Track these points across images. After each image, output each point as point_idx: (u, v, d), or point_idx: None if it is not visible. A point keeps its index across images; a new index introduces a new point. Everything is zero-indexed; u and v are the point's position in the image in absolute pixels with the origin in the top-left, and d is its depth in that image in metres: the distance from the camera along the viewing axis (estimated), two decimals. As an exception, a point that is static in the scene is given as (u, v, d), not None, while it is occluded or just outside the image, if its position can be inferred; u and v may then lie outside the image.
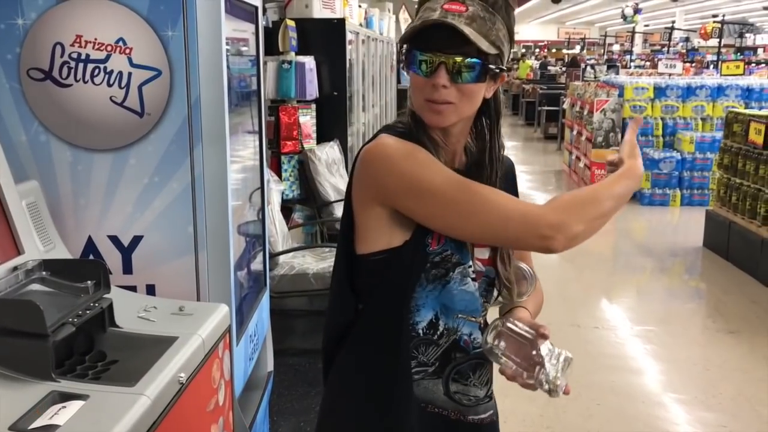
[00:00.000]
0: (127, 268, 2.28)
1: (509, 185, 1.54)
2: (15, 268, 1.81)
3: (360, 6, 7.77)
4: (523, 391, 1.41)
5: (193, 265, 2.27)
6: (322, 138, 5.96)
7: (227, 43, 2.29)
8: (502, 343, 1.37)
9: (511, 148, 14.20)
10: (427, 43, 1.28)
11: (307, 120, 5.70)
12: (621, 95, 9.12)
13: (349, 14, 6.95)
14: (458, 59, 1.28)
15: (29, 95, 2.17)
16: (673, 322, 5.35)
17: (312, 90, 5.61)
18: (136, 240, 2.27)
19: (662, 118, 9.08)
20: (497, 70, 1.33)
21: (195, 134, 2.20)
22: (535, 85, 16.09)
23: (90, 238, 2.26)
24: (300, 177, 5.62)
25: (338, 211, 5.62)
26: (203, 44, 2.16)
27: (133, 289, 2.27)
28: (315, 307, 5.00)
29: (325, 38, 5.96)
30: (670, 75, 10.15)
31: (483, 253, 1.46)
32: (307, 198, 5.66)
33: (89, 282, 1.83)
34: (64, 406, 1.50)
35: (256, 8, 2.83)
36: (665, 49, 20.66)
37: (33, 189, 2.07)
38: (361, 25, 7.64)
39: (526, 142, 14.79)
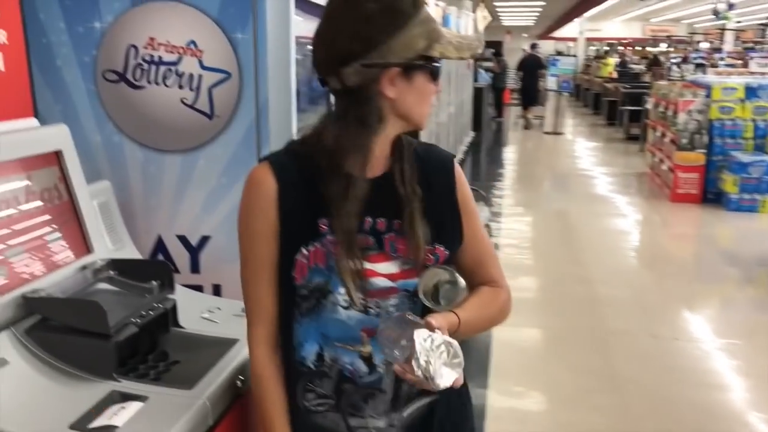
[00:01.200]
0: (195, 268, 2.31)
1: (442, 181, 1.45)
2: (84, 267, 1.85)
3: (437, 4, 7.70)
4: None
5: (258, 267, 2.27)
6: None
7: (298, 43, 2.29)
8: (384, 333, 1.28)
9: (592, 148, 13.83)
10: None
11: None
12: (708, 96, 8.72)
13: (426, 13, 6.89)
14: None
15: (104, 97, 2.22)
16: (760, 335, 5.08)
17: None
18: (204, 240, 2.29)
19: (753, 120, 8.64)
20: None
21: (263, 136, 2.20)
22: (617, 84, 15.61)
23: (160, 238, 2.30)
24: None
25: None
26: (272, 46, 2.16)
27: (199, 288, 2.30)
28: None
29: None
30: (762, 74, 9.64)
31: (390, 268, 1.37)
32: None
33: (154, 282, 1.85)
34: (123, 407, 1.52)
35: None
36: (759, 47, 19.69)
37: (105, 189, 2.11)
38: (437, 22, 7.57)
39: (607, 142, 14.37)
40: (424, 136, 6.41)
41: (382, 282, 1.37)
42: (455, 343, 1.23)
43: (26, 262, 1.72)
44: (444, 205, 1.44)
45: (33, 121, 1.94)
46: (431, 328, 1.23)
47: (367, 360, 1.38)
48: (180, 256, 2.30)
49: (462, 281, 1.39)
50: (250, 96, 2.18)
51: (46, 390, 1.55)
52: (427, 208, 1.38)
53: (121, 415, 1.49)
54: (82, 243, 1.92)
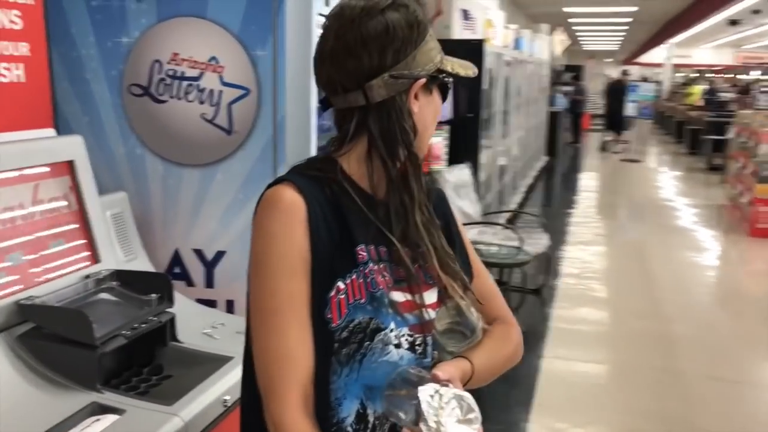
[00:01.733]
0: (210, 282, 2.31)
1: (443, 209, 1.34)
2: (87, 276, 1.87)
3: (507, 27, 7.62)
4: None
5: (271, 285, 2.25)
6: (454, 160, 5.87)
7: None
8: (392, 396, 1.12)
9: (671, 178, 13.34)
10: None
11: (439, 141, 5.63)
12: (795, 127, 8.26)
13: (493, 36, 6.83)
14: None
15: (129, 110, 2.27)
16: (834, 385, 4.71)
17: (445, 111, 5.53)
18: (219, 255, 2.29)
19: None
20: None
21: (279, 153, 2.19)
22: (701, 111, 15.03)
23: (177, 251, 2.31)
24: (427, 199, 5.55)
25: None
26: (291, 64, 2.15)
27: (213, 303, 2.30)
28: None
29: (464, 59, 5.86)
30: None
31: (431, 297, 1.23)
32: (433, 220, 5.58)
33: (153, 295, 1.85)
34: (99, 419, 1.51)
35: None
36: None
37: (120, 200, 2.15)
38: (506, 46, 7.48)
39: (687, 172, 13.82)
40: (483, 161, 6.31)
41: (425, 314, 1.22)
42: (468, 396, 1.09)
43: (26, 268, 1.75)
44: (451, 234, 1.32)
45: (50, 132, 1.99)
46: (439, 382, 1.09)
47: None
48: (195, 270, 2.31)
49: (476, 325, 1.25)
50: (269, 112, 2.18)
51: (29, 397, 1.56)
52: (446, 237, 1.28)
53: (93, 427, 1.48)
54: (89, 253, 1.94)
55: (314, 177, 1.19)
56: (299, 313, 1.12)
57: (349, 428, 1.16)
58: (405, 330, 1.20)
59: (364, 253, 1.17)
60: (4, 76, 1.86)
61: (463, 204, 5.67)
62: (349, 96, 1.19)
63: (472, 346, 1.25)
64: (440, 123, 5.63)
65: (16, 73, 1.89)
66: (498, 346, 1.32)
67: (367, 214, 1.19)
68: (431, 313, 1.23)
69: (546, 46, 11.10)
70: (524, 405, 4.07)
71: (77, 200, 1.93)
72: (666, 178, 13.35)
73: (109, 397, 1.60)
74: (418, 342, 1.22)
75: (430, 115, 1.25)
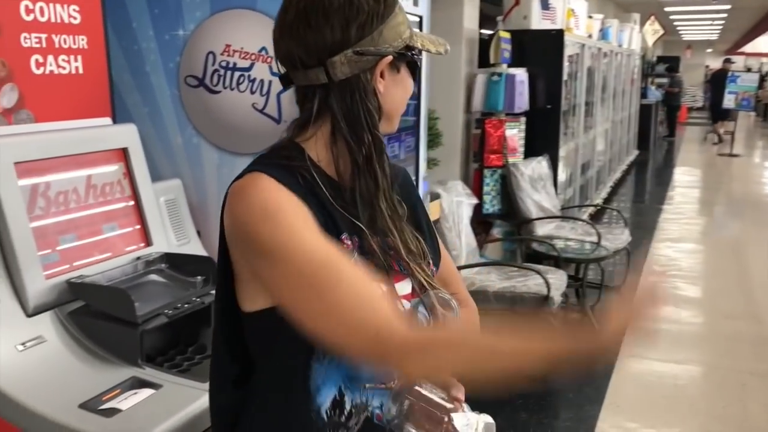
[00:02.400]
0: (261, 268, 2.37)
1: (410, 191, 1.30)
2: (138, 258, 1.96)
3: (591, 17, 7.40)
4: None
5: (319, 271, 2.29)
6: (531, 152, 5.77)
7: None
8: (410, 414, 1.08)
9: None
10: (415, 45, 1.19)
11: (514, 133, 5.55)
12: None
13: (575, 25, 6.65)
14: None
15: (186, 101, 2.35)
16: None
17: (521, 103, 5.45)
18: (270, 242, 2.34)
19: None
20: None
21: (326, 141, 2.22)
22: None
23: (230, 237, 2.38)
24: (502, 192, 5.49)
25: (539, 228, 5.40)
26: (338, 53, 2.17)
27: (263, 288, 2.35)
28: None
29: (542, 50, 5.77)
30: None
31: (404, 288, 1.17)
32: (507, 213, 5.51)
33: (199, 278, 1.92)
34: (136, 392, 1.58)
35: (420, 17, 2.80)
36: None
37: (174, 187, 2.23)
38: (590, 36, 7.27)
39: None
40: (563, 154, 6.16)
41: (405, 305, 1.16)
42: (489, 418, 1.10)
43: (80, 250, 1.85)
44: (419, 216, 1.27)
45: (107, 120, 2.10)
46: (459, 402, 1.08)
47: (396, 397, 1.13)
48: (248, 255, 2.37)
49: (457, 305, 1.18)
50: (315, 101, 2.20)
51: (74, 370, 1.65)
52: (409, 221, 1.22)
53: (130, 399, 1.56)
54: (142, 236, 2.04)
55: (284, 166, 1.12)
56: (343, 255, 1.07)
57: (324, 414, 1.13)
58: None
59: (349, 242, 1.11)
60: (63, 67, 1.97)
61: (540, 197, 5.56)
62: (310, 72, 1.12)
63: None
64: (516, 115, 5.57)
65: (74, 65, 2.00)
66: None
67: (338, 204, 1.12)
68: (405, 304, 1.15)
69: (636, 36, 10.70)
70: (595, 403, 3.96)
71: (131, 186, 2.02)
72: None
73: (149, 373, 1.68)
74: None
75: (398, 95, 1.17)
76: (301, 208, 1.06)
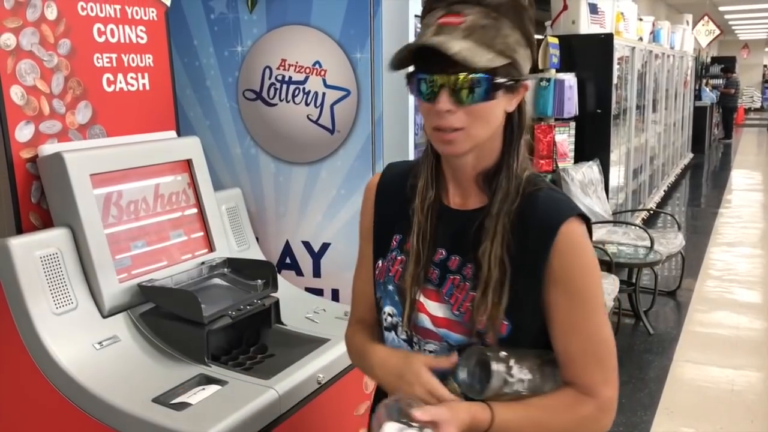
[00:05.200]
0: (317, 272, 2.47)
1: (537, 240, 1.16)
2: (202, 263, 2.08)
3: (641, 19, 7.34)
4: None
5: (373, 275, 2.37)
6: (582, 157, 5.76)
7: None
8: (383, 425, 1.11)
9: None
10: (426, 64, 1.11)
11: (564, 138, 5.55)
12: None
13: (625, 28, 6.62)
14: (460, 77, 1.08)
15: (244, 113, 2.47)
16: None
17: (570, 108, 5.45)
18: (325, 246, 2.44)
19: None
20: (510, 82, 1.12)
21: (377, 150, 2.31)
22: None
23: (287, 242, 2.49)
24: (552, 197, 5.48)
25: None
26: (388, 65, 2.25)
27: (320, 291, 2.45)
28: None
29: (592, 54, 5.76)
30: None
31: (437, 310, 1.22)
32: (558, 219, 5.50)
33: (260, 281, 2.02)
34: (204, 388, 1.69)
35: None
36: None
37: (235, 195, 2.35)
38: (641, 39, 7.21)
39: None
40: (614, 158, 6.12)
41: (425, 321, 1.23)
42: None
43: (150, 254, 1.97)
44: (530, 270, 1.17)
45: (172, 134, 2.22)
46: (416, 421, 1.08)
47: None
48: (304, 260, 2.47)
49: (497, 367, 1.14)
50: (367, 112, 2.30)
51: (146, 367, 1.77)
52: (513, 267, 1.16)
53: (199, 395, 1.66)
54: (205, 242, 2.15)
55: (410, 167, 1.32)
56: (365, 267, 1.38)
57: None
58: (400, 320, 1.27)
59: (396, 243, 1.30)
60: (131, 84, 2.10)
61: (591, 202, 5.54)
62: None
63: (513, 398, 1.16)
64: (566, 120, 5.56)
65: (142, 82, 2.13)
66: (549, 409, 1.18)
67: (406, 206, 1.27)
68: (425, 321, 1.23)
69: (689, 38, 10.54)
70: (649, 408, 3.94)
71: (195, 195, 2.14)
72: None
73: (215, 370, 1.78)
74: (415, 340, 1.27)
75: (423, 116, 1.19)
76: (365, 217, 1.38)
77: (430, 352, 1.24)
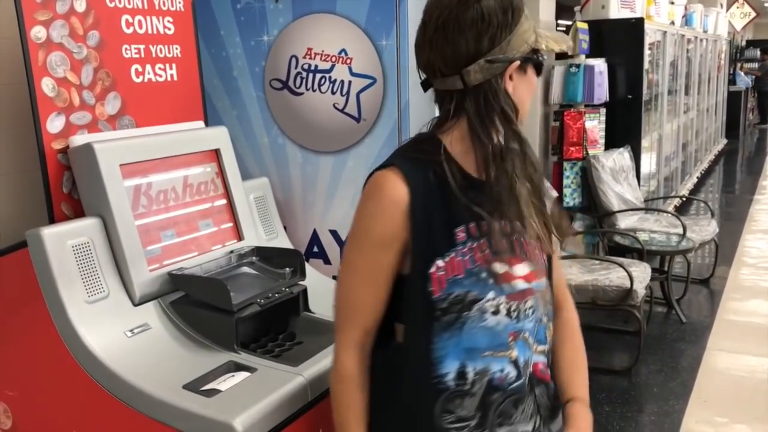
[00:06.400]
0: (345, 261, 2.47)
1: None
2: (231, 252, 2.09)
3: (672, 2, 7.20)
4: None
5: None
6: (613, 144, 5.68)
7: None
8: None
9: None
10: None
11: (594, 125, 5.48)
12: None
13: (656, 12, 6.51)
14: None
15: (271, 103, 2.48)
16: None
17: (601, 94, 5.38)
18: (352, 235, 2.44)
19: None
20: None
21: (403, 138, 2.29)
22: None
23: (315, 231, 2.50)
24: (582, 184, 5.43)
25: (622, 221, 5.32)
26: (413, 52, 2.24)
27: (348, 280, 2.45)
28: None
29: (622, 39, 5.68)
30: None
31: (524, 269, 1.34)
32: (588, 207, 5.45)
33: (287, 269, 2.03)
34: (233, 375, 1.70)
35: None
36: None
37: (262, 185, 2.36)
38: (672, 23, 7.08)
39: None
40: (646, 145, 6.02)
41: (520, 284, 1.33)
42: None
43: (179, 244, 2.00)
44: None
45: (200, 124, 2.24)
46: None
47: (515, 363, 1.33)
48: (332, 249, 2.48)
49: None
50: (393, 100, 2.29)
51: (177, 354, 1.79)
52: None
53: (228, 381, 1.68)
54: (234, 231, 2.17)
55: (419, 159, 1.31)
56: (374, 278, 1.32)
57: (451, 383, 1.30)
58: (503, 298, 1.30)
59: (463, 234, 1.28)
60: (159, 75, 2.13)
61: (622, 189, 5.47)
62: (448, 80, 1.28)
63: (574, 379, 1.47)
64: (596, 106, 5.49)
65: (170, 73, 2.15)
66: (583, 359, 1.51)
67: (465, 193, 1.27)
68: (521, 284, 1.32)
69: (723, 21, 10.32)
70: (682, 397, 3.89)
71: (223, 184, 2.16)
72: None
73: (245, 357, 1.80)
74: (512, 308, 1.32)
75: (525, 92, 1.32)
76: (391, 227, 1.28)
77: (530, 307, 1.34)
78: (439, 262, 1.27)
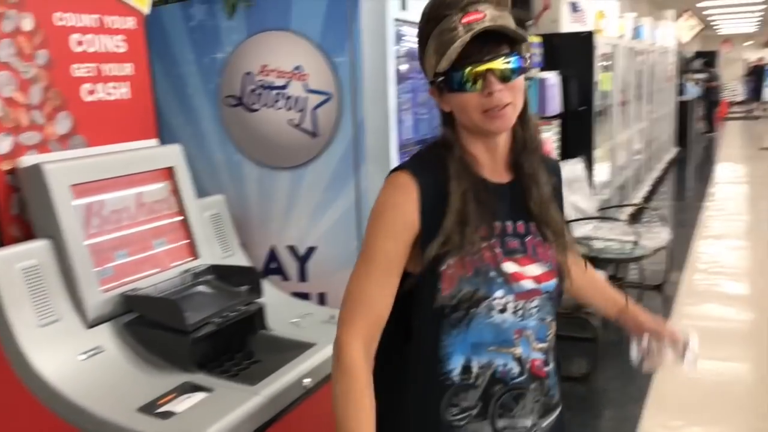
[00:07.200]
0: (303, 277, 2.47)
1: (557, 185, 1.48)
2: (186, 271, 2.07)
3: (622, 16, 7.39)
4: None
5: (358, 278, 2.37)
6: (567, 155, 5.78)
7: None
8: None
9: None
10: (466, 59, 1.27)
11: (549, 136, 5.57)
12: None
13: (606, 26, 6.65)
14: (502, 60, 1.28)
15: (226, 120, 2.47)
16: None
17: (554, 106, 5.48)
18: (311, 250, 2.45)
19: None
20: (528, 60, 1.33)
21: (360, 154, 2.31)
22: None
23: (272, 247, 2.49)
24: (538, 195, 5.50)
25: (577, 230, 5.40)
26: (368, 68, 2.27)
27: (306, 296, 2.45)
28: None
29: (574, 52, 5.80)
30: None
31: (535, 270, 1.38)
32: (544, 216, 5.52)
33: (244, 287, 2.02)
34: (189, 396, 1.69)
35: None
36: None
37: (218, 202, 2.35)
38: (622, 36, 7.26)
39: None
40: (599, 155, 6.15)
41: (528, 284, 1.37)
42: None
43: (133, 264, 1.97)
44: (560, 209, 1.48)
45: (153, 142, 2.22)
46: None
47: (519, 360, 1.39)
48: (290, 265, 2.47)
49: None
50: (349, 115, 2.30)
51: (131, 376, 1.76)
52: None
53: (184, 403, 1.66)
54: (189, 250, 2.15)
55: (431, 162, 1.36)
56: (386, 267, 1.33)
57: (456, 377, 1.36)
58: (512, 297, 1.35)
59: (475, 234, 1.32)
60: (111, 94, 2.10)
61: (577, 199, 5.56)
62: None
63: (611, 295, 1.69)
64: (549, 117, 5.58)
65: (122, 91, 2.13)
66: (604, 283, 1.73)
67: (477, 194, 1.33)
68: (530, 284, 1.37)
69: (671, 33, 10.61)
70: (638, 402, 3.96)
71: (177, 203, 2.14)
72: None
73: (201, 378, 1.78)
74: (519, 307, 1.36)
75: (457, 111, 1.35)
76: (403, 215, 1.32)
77: (535, 307, 1.39)
78: (450, 260, 1.31)
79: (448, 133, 1.37)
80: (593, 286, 1.67)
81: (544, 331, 1.42)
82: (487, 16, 1.26)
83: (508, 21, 1.29)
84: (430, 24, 1.31)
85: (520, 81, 1.31)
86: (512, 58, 1.28)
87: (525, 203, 1.38)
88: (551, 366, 1.46)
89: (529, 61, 1.35)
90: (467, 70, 1.27)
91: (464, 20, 1.25)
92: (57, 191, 1.80)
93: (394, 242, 1.33)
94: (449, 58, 1.26)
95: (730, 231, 8.03)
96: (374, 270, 1.34)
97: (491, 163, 1.38)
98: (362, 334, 1.32)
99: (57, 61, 1.96)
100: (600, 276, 1.73)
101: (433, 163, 1.36)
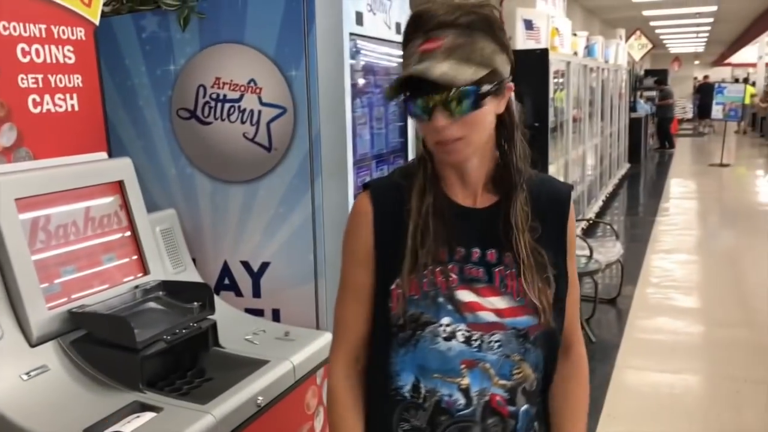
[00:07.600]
0: (257, 293, 2.44)
1: (555, 216, 1.37)
2: (136, 287, 2.03)
3: (575, 34, 7.54)
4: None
5: (313, 293, 2.36)
6: (521, 170, 5.85)
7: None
8: None
9: (765, 182, 12.72)
10: (417, 89, 1.21)
11: (503, 152, 5.64)
12: None
13: (560, 43, 6.78)
14: (449, 94, 1.19)
15: (178, 133, 2.43)
16: None
17: (509, 122, 5.54)
18: (264, 266, 2.41)
19: None
20: (495, 88, 1.23)
21: (315, 168, 2.30)
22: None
23: (225, 263, 2.45)
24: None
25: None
26: (324, 82, 2.26)
27: (260, 312, 2.41)
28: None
29: (528, 70, 5.88)
30: None
31: (498, 303, 1.30)
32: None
33: (195, 304, 1.98)
34: (138, 416, 1.64)
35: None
36: None
37: (169, 216, 2.30)
38: (575, 53, 7.40)
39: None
40: (553, 171, 6.25)
41: (488, 316, 1.30)
42: None
43: (80, 280, 1.91)
44: (557, 245, 1.36)
45: (103, 155, 2.17)
46: None
47: (465, 392, 1.32)
48: (243, 280, 2.44)
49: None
50: (304, 129, 2.29)
51: (78, 396, 1.71)
52: (540, 242, 1.31)
53: (132, 423, 1.61)
54: (139, 265, 2.10)
55: (396, 184, 1.35)
56: (357, 294, 1.37)
57: (407, 394, 1.35)
58: (462, 326, 1.29)
59: (429, 257, 1.28)
60: (59, 105, 2.05)
61: (531, 214, 5.63)
62: None
63: (573, 418, 1.45)
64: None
65: (70, 103, 2.08)
66: (584, 404, 1.48)
67: (438, 213, 1.30)
68: (490, 317, 1.30)
69: (623, 51, 10.87)
70: (592, 415, 3.98)
71: (127, 217, 2.09)
72: (760, 183, 12.75)
73: (150, 397, 1.73)
74: (474, 337, 1.30)
75: (424, 133, 1.30)
76: (361, 242, 1.34)
77: (497, 341, 1.32)
78: (399, 280, 1.30)
79: (423, 149, 1.34)
80: (563, 394, 1.44)
81: (508, 368, 1.32)
82: (443, 45, 1.18)
83: (463, 53, 1.18)
84: (404, 43, 1.27)
85: (473, 116, 1.21)
86: (465, 90, 1.18)
87: (503, 230, 1.30)
88: (523, 408, 1.34)
89: (496, 87, 1.22)
90: (418, 101, 1.22)
91: (421, 48, 1.20)
92: (1, 205, 1.75)
93: (361, 268, 1.35)
94: (391, 89, 1.23)
95: (681, 245, 8.21)
96: (346, 296, 1.39)
97: (461, 186, 1.34)
98: (343, 357, 1.40)
99: (2, 72, 1.90)
100: (582, 393, 1.48)
101: (406, 176, 1.34)
